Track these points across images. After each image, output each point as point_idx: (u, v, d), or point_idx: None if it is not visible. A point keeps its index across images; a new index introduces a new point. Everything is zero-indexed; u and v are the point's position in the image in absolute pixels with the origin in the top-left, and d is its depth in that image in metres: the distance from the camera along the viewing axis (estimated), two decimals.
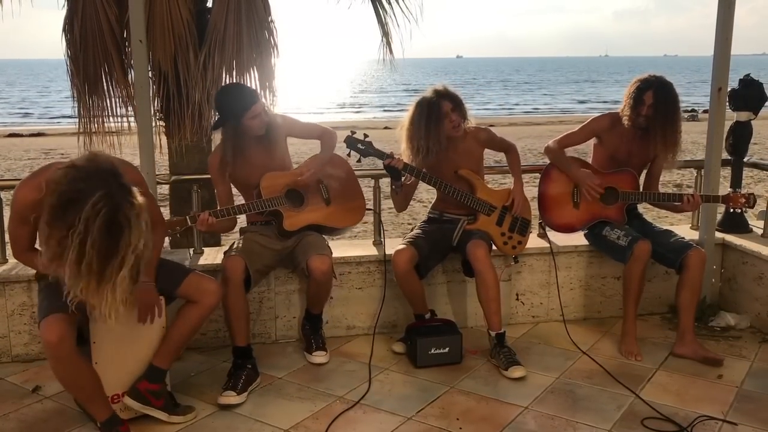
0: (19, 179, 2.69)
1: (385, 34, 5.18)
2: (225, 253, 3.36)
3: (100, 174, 2.28)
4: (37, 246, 2.63)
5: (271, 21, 4.65)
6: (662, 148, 3.60)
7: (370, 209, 3.82)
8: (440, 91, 3.49)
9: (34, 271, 3.38)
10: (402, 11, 5.09)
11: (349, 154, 3.45)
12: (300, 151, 9.15)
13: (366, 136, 3.39)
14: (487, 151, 3.73)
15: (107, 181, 2.25)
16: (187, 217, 3.14)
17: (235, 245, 3.39)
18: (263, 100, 3.29)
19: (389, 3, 5.13)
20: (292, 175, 3.46)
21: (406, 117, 3.54)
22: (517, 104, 41.59)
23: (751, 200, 3.72)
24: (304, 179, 3.43)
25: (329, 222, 3.54)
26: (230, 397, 3.00)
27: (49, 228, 2.23)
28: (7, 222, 2.83)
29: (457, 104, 3.49)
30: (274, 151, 3.41)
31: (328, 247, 3.44)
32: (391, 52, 5.20)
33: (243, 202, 3.42)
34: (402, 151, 3.53)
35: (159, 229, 2.87)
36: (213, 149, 3.49)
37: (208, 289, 2.89)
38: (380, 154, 3.38)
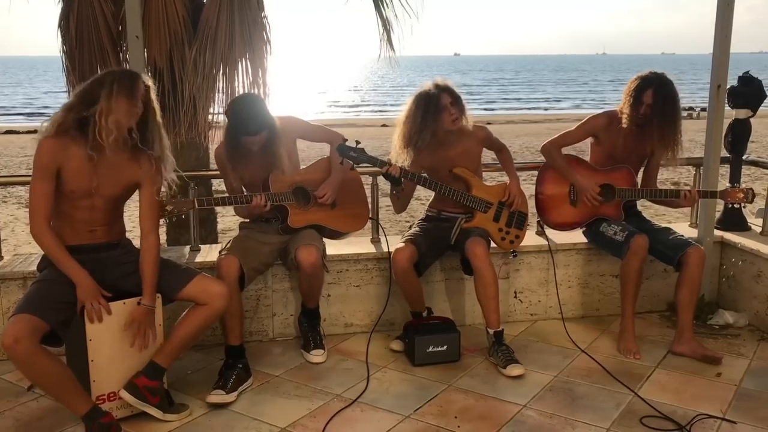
0: (16, 175, 2.68)
1: (386, 29, 5.12)
2: (219, 251, 3.34)
3: None
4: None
5: (265, 17, 4.61)
6: (660, 146, 3.59)
7: (372, 218, 3.82)
8: (440, 85, 3.48)
9: (30, 269, 3.39)
10: (402, 5, 5.04)
11: (341, 162, 3.38)
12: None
13: (358, 143, 3.34)
14: (484, 150, 3.72)
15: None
16: (195, 200, 3.15)
17: (229, 243, 3.37)
18: (272, 131, 3.19)
19: None
20: (302, 174, 3.45)
21: (403, 110, 3.52)
22: (514, 102, 41.58)
23: (749, 195, 3.70)
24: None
25: (332, 224, 3.52)
26: (218, 396, 2.98)
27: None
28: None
29: (456, 99, 3.48)
30: (276, 155, 3.30)
31: (320, 240, 3.41)
32: (392, 47, 5.14)
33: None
34: (393, 142, 3.51)
35: (154, 236, 2.87)
36: (220, 142, 3.46)
37: (216, 292, 2.87)
38: (373, 161, 3.34)
